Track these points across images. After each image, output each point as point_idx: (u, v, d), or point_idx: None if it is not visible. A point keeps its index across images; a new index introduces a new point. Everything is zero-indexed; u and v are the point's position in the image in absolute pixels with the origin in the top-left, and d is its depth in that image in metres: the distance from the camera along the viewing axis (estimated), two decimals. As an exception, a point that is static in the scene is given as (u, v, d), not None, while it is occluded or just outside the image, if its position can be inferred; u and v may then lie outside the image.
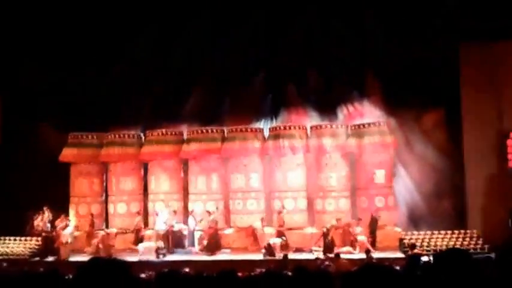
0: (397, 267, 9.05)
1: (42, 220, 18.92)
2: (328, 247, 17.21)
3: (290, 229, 18.92)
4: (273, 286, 3.64)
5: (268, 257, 16.98)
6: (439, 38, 18.77)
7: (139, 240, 19.22)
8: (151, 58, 20.32)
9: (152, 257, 17.38)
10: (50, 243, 18.37)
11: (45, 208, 19.43)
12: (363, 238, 17.92)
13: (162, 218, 18.86)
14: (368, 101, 20.20)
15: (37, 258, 18.06)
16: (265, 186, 20.42)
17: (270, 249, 17.39)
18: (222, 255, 18.04)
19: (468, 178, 19.07)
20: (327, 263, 13.27)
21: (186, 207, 20.49)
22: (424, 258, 11.64)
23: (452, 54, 19.17)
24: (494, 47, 19.00)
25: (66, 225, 18.45)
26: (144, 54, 20.12)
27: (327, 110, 20.31)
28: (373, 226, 18.49)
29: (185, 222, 19.56)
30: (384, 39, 19.15)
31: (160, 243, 17.98)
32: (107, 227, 20.76)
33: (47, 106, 20.37)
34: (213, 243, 18.21)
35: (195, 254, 18.39)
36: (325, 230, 17.73)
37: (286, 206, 19.52)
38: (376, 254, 16.58)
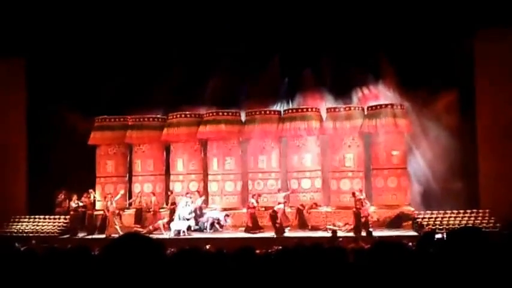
0: (410, 245, 9.52)
1: (72, 200, 19.57)
2: (360, 227, 17.53)
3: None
4: (289, 262, 3.73)
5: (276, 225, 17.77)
6: (454, 20, 18.77)
7: (138, 219, 19.87)
8: (171, 42, 20.64)
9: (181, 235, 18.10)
10: (79, 222, 19.21)
11: (63, 192, 20.23)
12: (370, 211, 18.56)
13: (187, 200, 19.36)
14: (382, 83, 20.48)
15: (67, 236, 18.79)
16: (282, 167, 20.95)
17: (274, 215, 18.12)
18: (242, 233, 18.67)
19: (481, 159, 19.22)
20: (340, 239, 13.75)
21: (206, 187, 21.07)
22: (438, 236, 12.06)
23: (467, 36, 19.12)
24: (509, 29, 18.99)
25: (94, 201, 19.43)
26: (164, 37, 20.48)
27: (342, 92, 20.66)
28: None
29: (205, 202, 20.15)
30: (399, 21, 19.24)
31: (192, 222, 18.67)
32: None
33: (71, 90, 20.79)
34: (255, 223, 18.67)
35: (223, 231, 19.06)
36: (354, 210, 17.98)
37: (303, 186, 20.13)
38: (389, 232, 17.13)
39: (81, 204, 19.39)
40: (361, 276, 3.10)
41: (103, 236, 18.19)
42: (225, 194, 20.87)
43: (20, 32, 19.89)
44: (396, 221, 18.82)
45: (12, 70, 21.37)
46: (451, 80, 19.20)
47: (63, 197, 20.40)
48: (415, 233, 16.99)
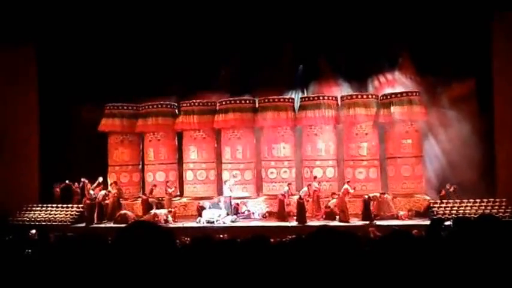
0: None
1: (87, 189, 19.62)
2: (369, 215, 17.67)
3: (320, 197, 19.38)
4: (304, 251, 3.56)
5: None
6: (471, 7, 18.51)
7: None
8: (183, 29, 20.54)
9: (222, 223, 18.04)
10: (95, 210, 19.16)
11: (83, 179, 20.29)
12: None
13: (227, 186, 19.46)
14: (398, 70, 20.28)
15: (82, 224, 18.72)
16: (296, 156, 20.83)
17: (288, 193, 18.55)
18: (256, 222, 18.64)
19: (498, 148, 18.98)
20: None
21: (219, 175, 21.02)
22: (447, 223, 11.96)
23: (484, 23, 18.84)
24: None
25: (107, 192, 19.48)
26: (176, 24, 20.38)
27: (358, 80, 20.51)
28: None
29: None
30: (415, 8, 19.01)
31: (224, 211, 18.61)
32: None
33: (82, 80, 20.83)
34: (303, 214, 18.02)
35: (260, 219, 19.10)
36: (366, 197, 18.04)
37: (316, 175, 19.92)
38: (405, 221, 17.08)
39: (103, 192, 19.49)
40: (373, 265, 3.06)
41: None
42: (240, 182, 20.77)
43: (30, 20, 19.77)
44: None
45: (23, 59, 21.31)
46: (468, 68, 19.00)
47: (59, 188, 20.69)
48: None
